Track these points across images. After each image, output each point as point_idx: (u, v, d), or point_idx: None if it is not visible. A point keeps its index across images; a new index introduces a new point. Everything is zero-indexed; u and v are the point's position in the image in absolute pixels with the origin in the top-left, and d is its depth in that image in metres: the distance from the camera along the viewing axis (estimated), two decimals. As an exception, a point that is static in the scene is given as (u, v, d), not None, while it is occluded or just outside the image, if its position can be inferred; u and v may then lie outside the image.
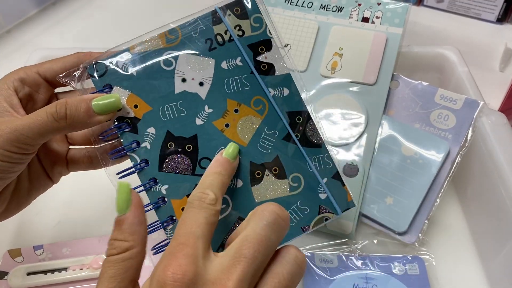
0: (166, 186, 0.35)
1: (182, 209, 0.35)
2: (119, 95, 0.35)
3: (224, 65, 0.37)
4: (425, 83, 0.53)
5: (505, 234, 0.43)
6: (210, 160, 0.36)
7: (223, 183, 0.32)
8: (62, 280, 0.45)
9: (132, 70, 0.36)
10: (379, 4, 0.56)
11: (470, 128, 0.49)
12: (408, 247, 0.48)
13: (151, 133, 0.36)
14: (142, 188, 0.36)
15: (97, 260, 0.46)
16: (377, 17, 0.55)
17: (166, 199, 0.35)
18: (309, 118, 0.37)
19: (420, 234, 0.48)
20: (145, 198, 0.34)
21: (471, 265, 0.48)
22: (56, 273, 0.45)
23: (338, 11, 0.56)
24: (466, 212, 0.52)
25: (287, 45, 0.38)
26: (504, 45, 0.70)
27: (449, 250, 0.49)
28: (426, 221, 0.48)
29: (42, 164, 0.41)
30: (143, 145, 0.36)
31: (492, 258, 0.46)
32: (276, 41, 0.38)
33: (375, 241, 0.49)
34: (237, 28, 0.37)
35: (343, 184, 0.38)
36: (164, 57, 0.37)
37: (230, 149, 0.35)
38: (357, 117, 0.52)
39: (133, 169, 0.36)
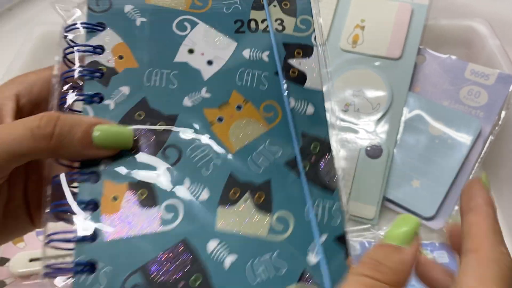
0: (108, 161, 0.27)
1: (114, 198, 0.26)
2: (108, 40, 0.29)
3: (246, 53, 0.30)
4: (453, 57, 0.49)
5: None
6: (178, 150, 0.27)
7: None
8: (67, 267, 0.42)
9: (138, 19, 0.30)
10: (404, -28, 0.52)
11: (504, 105, 0.46)
12: (435, 233, 0.45)
13: (123, 93, 0.28)
14: None
15: (103, 246, 0.43)
16: (402, -13, 0.51)
17: (99, 178, 0.26)
18: (328, 150, 0.28)
19: (449, 219, 0.45)
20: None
21: (504, 252, 0.44)
22: (60, 259, 0.43)
23: (359, -19, 0.52)
24: (498, 196, 0.48)
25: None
26: (534, 20, 0.66)
27: (480, 236, 0.45)
28: (456, 206, 0.45)
29: (27, 202, 0.31)
30: (106, 102, 0.28)
31: (527, 245, 0.42)
32: (319, 52, 0.31)
33: (400, 227, 0.46)
34: (278, 21, 0.31)
35: (348, 255, 0.26)
36: (180, 19, 0.31)
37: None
38: (380, 94, 0.48)
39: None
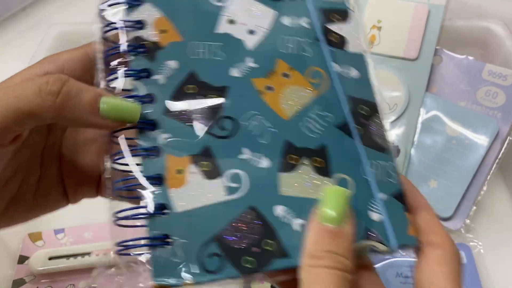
0: (167, 135, 0.27)
1: (178, 171, 0.26)
2: (150, 17, 0.29)
3: (285, 21, 0.30)
4: (470, 58, 0.49)
5: None
6: (233, 121, 0.28)
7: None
8: (86, 265, 0.42)
9: None
10: (420, -27, 0.52)
11: (522, 106, 0.46)
12: (453, 233, 0.45)
13: (171, 67, 0.28)
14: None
15: (121, 244, 0.43)
16: (418, -12, 0.51)
17: (161, 151, 0.26)
18: (376, 112, 0.28)
19: (467, 220, 0.45)
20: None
21: (522, 253, 0.44)
22: (79, 257, 0.43)
23: (375, -19, 0.52)
24: (515, 197, 0.48)
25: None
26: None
27: (498, 237, 0.45)
28: (473, 206, 0.45)
29: (63, 180, 0.31)
30: (155, 77, 0.28)
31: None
32: (356, 16, 0.31)
33: (417, 227, 0.46)
34: None
35: (407, 210, 0.26)
36: None
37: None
38: (397, 95, 0.48)
39: (131, 98, 0.27)
